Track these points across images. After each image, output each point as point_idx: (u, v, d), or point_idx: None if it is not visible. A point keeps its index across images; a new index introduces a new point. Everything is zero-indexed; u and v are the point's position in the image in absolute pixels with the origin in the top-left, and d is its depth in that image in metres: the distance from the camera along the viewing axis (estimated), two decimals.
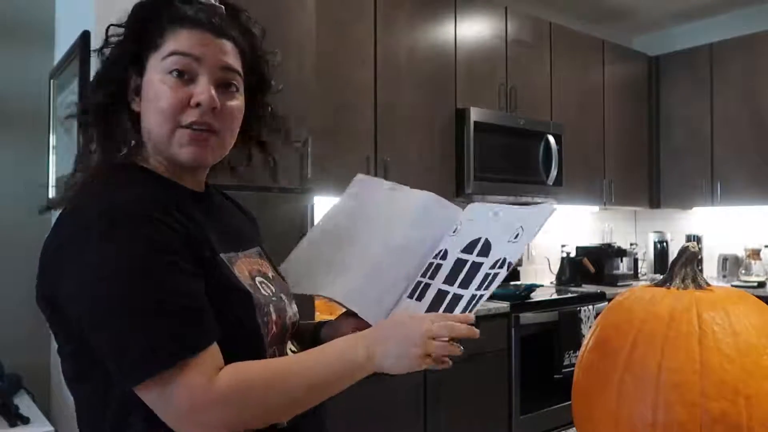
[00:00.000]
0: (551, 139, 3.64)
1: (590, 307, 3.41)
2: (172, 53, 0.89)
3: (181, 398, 0.77)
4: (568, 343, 3.23)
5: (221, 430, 0.80)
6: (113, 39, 0.94)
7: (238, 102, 0.95)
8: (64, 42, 2.34)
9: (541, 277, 4.11)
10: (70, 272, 0.81)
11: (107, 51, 0.94)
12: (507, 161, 3.47)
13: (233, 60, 0.93)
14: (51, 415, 2.34)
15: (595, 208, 4.40)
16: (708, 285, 0.98)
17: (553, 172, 3.65)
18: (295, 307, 1.04)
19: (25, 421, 1.98)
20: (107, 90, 0.92)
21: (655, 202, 4.58)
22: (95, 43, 1.94)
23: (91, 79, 0.96)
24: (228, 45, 0.93)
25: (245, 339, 0.88)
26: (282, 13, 2.34)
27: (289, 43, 2.36)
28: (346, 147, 2.85)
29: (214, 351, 0.81)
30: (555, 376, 3.20)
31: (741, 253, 4.16)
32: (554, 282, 4.08)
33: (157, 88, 0.89)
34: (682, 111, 4.42)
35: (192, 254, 0.84)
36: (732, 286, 3.76)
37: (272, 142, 1.07)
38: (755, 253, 4.05)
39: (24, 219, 2.50)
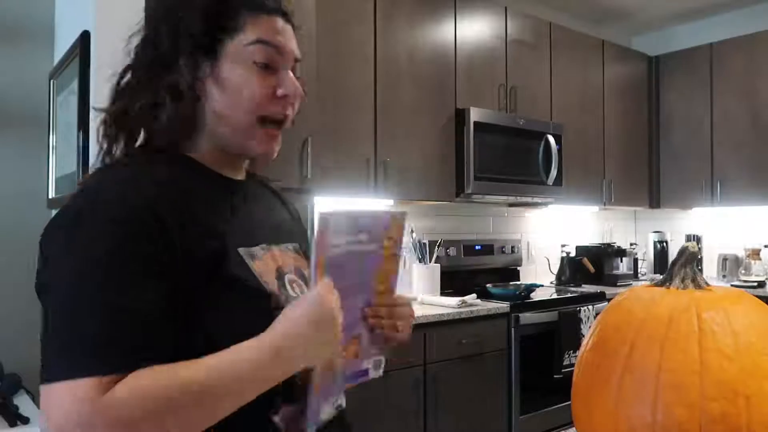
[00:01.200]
0: (551, 139, 3.64)
1: (590, 307, 3.41)
2: (257, 41, 0.86)
3: (61, 414, 0.69)
4: (567, 343, 3.23)
5: None
6: (170, 16, 0.88)
7: None
8: (64, 42, 2.34)
9: (541, 277, 4.11)
10: (43, 265, 0.79)
11: (164, 28, 0.88)
12: (507, 161, 3.47)
13: (298, 49, 0.93)
14: None
15: (595, 208, 4.40)
16: (707, 285, 0.98)
17: (553, 172, 3.65)
18: None
19: (25, 421, 1.98)
20: (181, 74, 0.85)
21: (655, 202, 4.58)
22: (95, 43, 1.95)
23: (140, 58, 0.89)
24: (292, 31, 0.93)
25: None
26: None
27: None
28: (346, 147, 2.85)
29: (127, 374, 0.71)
30: (555, 376, 3.20)
31: (741, 253, 4.15)
32: (554, 282, 4.08)
33: (242, 76, 0.86)
34: (682, 111, 4.42)
35: (183, 253, 0.78)
36: (732, 286, 3.76)
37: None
38: (755, 253, 4.05)
39: (24, 219, 2.50)
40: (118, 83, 0.91)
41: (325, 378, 0.85)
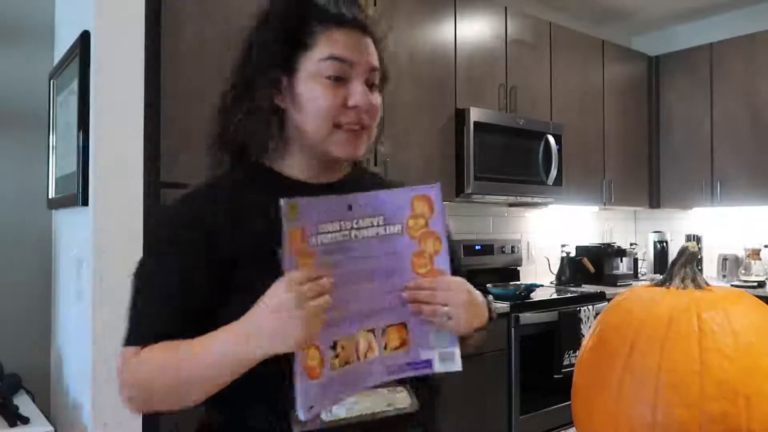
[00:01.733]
0: (551, 139, 3.64)
1: (590, 307, 3.41)
2: (329, 57, 0.93)
3: (117, 372, 0.93)
4: (568, 343, 3.23)
5: (133, 405, 0.92)
6: (254, 36, 0.98)
7: (380, 97, 0.99)
8: (64, 42, 2.34)
9: (541, 276, 4.11)
10: None
11: (246, 48, 0.98)
12: (507, 161, 3.47)
13: (375, 58, 0.98)
14: (51, 415, 2.34)
15: (595, 208, 4.40)
16: (707, 285, 0.98)
17: (553, 172, 3.65)
18: None
19: (25, 421, 1.98)
20: (262, 90, 0.95)
21: (655, 202, 4.58)
22: (95, 43, 1.95)
23: (234, 77, 0.99)
24: (371, 43, 0.97)
25: None
26: None
27: None
28: None
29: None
30: (555, 376, 3.20)
31: (741, 253, 4.15)
32: (554, 282, 4.08)
33: (314, 90, 0.93)
34: (682, 111, 4.42)
35: (222, 257, 0.91)
36: (732, 286, 3.76)
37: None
38: (755, 253, 4.05)
39: (24, 219, 2.50)
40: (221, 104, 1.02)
41: (322, 367, 0.82)
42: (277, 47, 0.94)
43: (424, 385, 0.96)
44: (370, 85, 0.97)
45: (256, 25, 0.98)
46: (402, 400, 0.94)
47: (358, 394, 0.88)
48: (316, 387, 0.81)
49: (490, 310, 1.02)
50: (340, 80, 0.93)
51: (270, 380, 0.86)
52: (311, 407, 0.81)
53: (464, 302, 0.92)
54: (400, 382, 0.93)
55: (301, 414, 0.81)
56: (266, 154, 1.00)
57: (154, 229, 1.01)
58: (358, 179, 1.08)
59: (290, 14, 0.95)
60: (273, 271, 0.85)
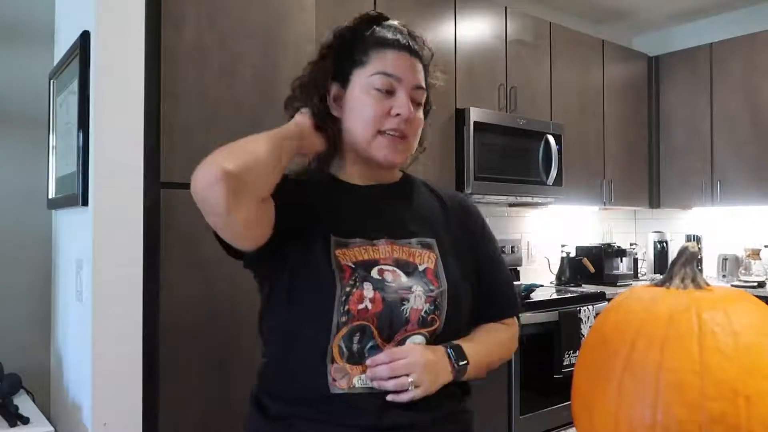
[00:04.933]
0: (551, 139, 3.64)
1: (590, 307, 3.41)
2: (378, 72, 1.07)
3: None
4: (568, 343, 3.23)
5: None
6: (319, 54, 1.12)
7: (422, 114, 1.13)
8: (64, 42, 2.34)
9: (541, 277, 4.11)
10: None
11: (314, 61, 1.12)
12: (507, 161, 3.47)
13: (422, 78, 1.12)
14: (51, 415, 2.34)
15: (595, 208, 4.40)
16: (707, 285, 0.98)
17: (553, 172, 3.65)
18: (420, 303, 1.05)
19: (25, 421, 1.98)
20: (313, 94, 1.09)
21: (654, 202, 4.58)
22: (95, 43, 1.95)
23: (293, 84, 1.13)
24: (419, 64, 1.13)
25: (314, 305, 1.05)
26: (281, 14, 2.34)
27: (289, 44, 2.36)
28: None
29: None
30: (555, 376, 3.20)
31: (741, 253, 4.16)
32: (554, 282, 4.08)
33: (362, 100, 1.07)
34: (682, 111, 4.42)
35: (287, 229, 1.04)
36: (732, 286, 3.76)
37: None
38: (755, 253, 4.05)
39: (24, 219, 2.50)
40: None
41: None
42: (331, 62, 1.09)
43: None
44: (415, 103, 1.09)
45: (322, 46, 1.12)
46: None
47: None
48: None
49: (451, 360, 1.06)
50: (388, 93, 1.07)
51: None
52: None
53: (424, 366, 1.00)
54: None
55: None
56: (330, 165, 1.15)
57: None
58: (405, 184, 1.20)
59: (350, 37, 1.10)
60: (327, 253, 1.06)
